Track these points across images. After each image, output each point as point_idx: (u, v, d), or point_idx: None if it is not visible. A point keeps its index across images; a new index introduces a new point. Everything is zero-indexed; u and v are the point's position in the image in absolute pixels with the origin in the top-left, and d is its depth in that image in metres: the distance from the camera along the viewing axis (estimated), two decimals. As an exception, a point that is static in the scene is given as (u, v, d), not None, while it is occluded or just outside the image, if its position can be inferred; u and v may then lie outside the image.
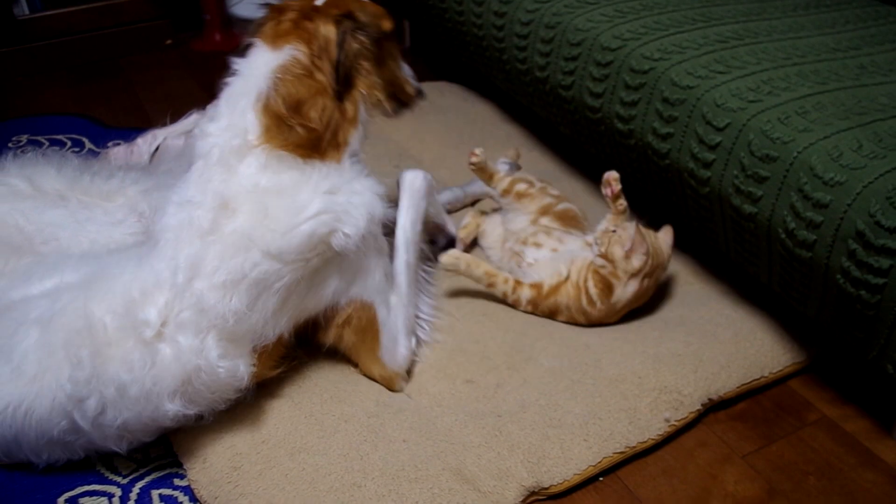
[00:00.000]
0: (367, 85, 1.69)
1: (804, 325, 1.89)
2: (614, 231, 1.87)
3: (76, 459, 1.57)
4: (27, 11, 3.16)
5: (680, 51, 1.93)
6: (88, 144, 2.64)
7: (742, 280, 2.02)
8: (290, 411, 1.66)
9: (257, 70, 1.60)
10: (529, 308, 1.95)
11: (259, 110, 1.57)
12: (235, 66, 1.65)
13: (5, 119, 2.84)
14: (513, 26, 2.37)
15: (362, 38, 1.65)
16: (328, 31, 1.62)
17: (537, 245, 1.99)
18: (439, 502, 1.51)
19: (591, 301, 1.88)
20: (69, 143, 2.64)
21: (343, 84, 1.63)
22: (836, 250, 1.54)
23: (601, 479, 1.62)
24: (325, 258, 1.59)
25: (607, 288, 1.86)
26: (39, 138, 2.66)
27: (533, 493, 1.57)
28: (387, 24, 1.73)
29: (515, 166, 2.37)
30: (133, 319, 1.46)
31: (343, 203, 1.58)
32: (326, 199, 1.56)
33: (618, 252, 1.84)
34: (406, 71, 1.88)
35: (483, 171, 2.13)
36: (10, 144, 2.63)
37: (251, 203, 1.52)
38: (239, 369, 1.53)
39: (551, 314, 1.94)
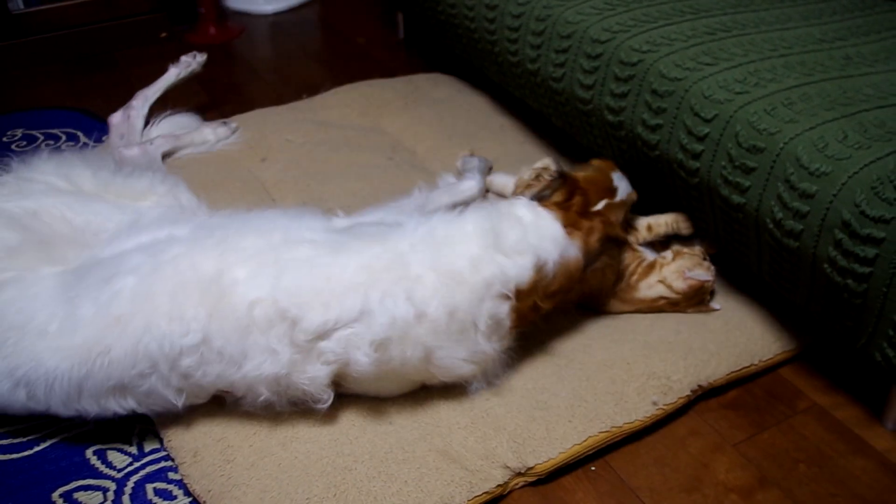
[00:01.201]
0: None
1: (794, 314, 1.90)
2: (705, 260, 1.94)
3: (116, 415, 1.58)
4: (22, 6, 3.16)
5: (668, 43, 1.94)
6: (83, 138, 2.65)
7: (732, 270, 2.03)
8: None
9: (551, 241, 1.67)
10: None
11: (533, 276, 1.63)
12: (526, 208, 1.71)
13: (0, 113, 2.85)
14: (504, 19, 2.38)
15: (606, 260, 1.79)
16: (594, 245, 1.73)
17: None
18: (427, 481, 1.53)
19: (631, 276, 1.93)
20: (64, 137, 2.65)
21: None
22: (823, 240, 1.55)
23: (593, 468, 1.64)
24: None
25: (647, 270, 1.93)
26: (34, 132, 2.66)
27: (519, 474, 1.59)
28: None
29: (485, 162, 2.36)
30: (295, 316, 1.50)
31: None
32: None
33: (681, 264, 1.90)
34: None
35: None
36: (4, 139, 2.64)
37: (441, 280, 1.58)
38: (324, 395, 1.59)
39: None
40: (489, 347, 1.63)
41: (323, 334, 1.51)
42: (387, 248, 1.59)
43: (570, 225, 1.70)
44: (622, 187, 1.87)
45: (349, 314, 1.51)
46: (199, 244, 1.58)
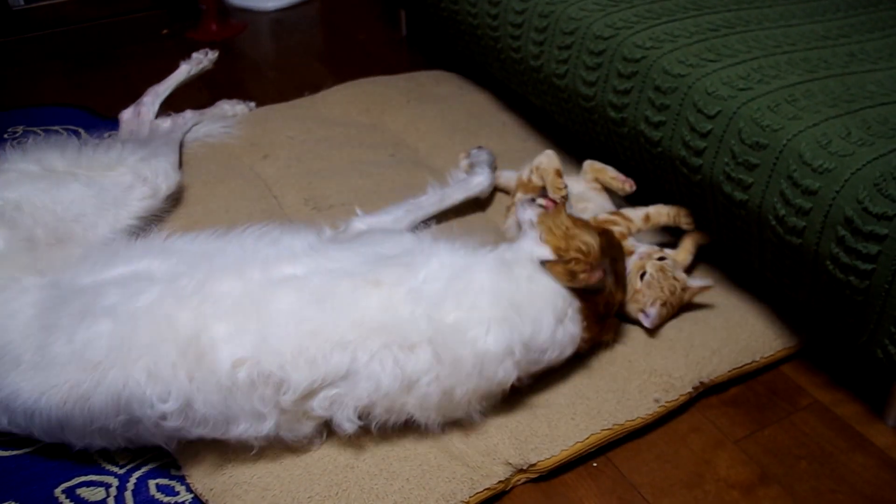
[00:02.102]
0: None
1: (796, 311, 1.90)
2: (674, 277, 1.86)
3: (105, 449, 1.58)
4: (22, 2, 3.16)
5: (672, 39, 1.94)
6: (84, 135, 2.64)
7: (735, 267, 2.03)
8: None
9: (564, 348, 1.64)
10: None
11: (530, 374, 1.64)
12: (572, 308, 1.64)
13: (1, 110, 2.85)
14: (507, 15, 2.37)
15: None
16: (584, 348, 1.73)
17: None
18: (429, 478, 1.54)
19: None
20: (65, 134, 2.64)
21: None
22: (826, 237, 1.55)
23: (595, 464, 1.64)
24: None
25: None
26: (35, 129, 2.66)
27: (521, 471, 1.59)
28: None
29: (492, 155, 2.36)
30: (280, 379, 1.46)
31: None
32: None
33: (645, 297, 1.85)
34: None
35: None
36: (5, 135, 2.63)
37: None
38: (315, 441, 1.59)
39: None
40: (476, 414, 1.61)
41: (309, 394, 1.48)
42: (385, 307, 1.52)
43: (584, 328, 1.66)
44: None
45: (335, 372, 1.48)
46: (175, 289, 1.52)
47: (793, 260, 1.67)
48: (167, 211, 2.14)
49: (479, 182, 2.17)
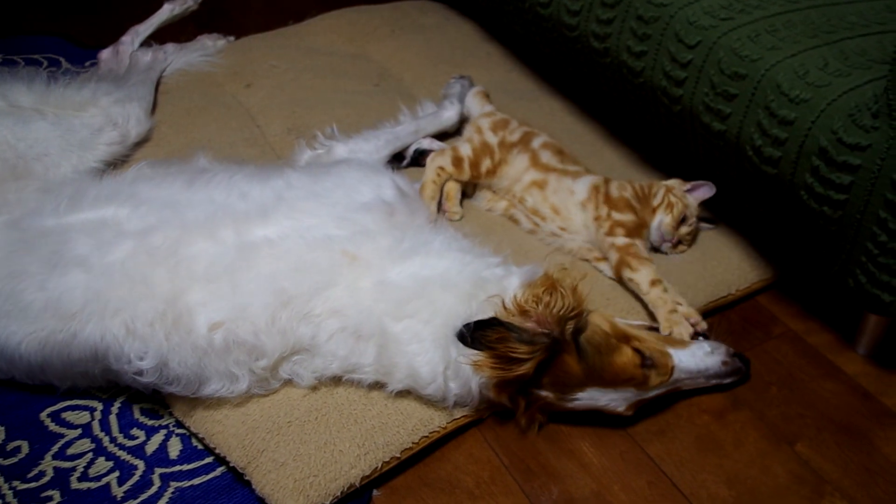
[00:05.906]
0: None
1: (772, 243, 1.92)
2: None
3: (94, 387, 1.61)
4: (0, -72, 3.09)
5: (655, -33, 1.91)
6: (65, 64, 2.61)
7: (711, 200, 2.03)
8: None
9: None
10: None
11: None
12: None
13: (-18, 39, 2.81)
14: (491, -58, 2.34)
15: None
16: None
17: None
18: (407, 403, 1.57)
19: None
20: (46, 63, 2.61)
21: None
22: (801, 167, 1.56)
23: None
24: None
25: None
26: (15, 58, 2.63)
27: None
28: None
29: (467, 87, 2.35)
30: (253, 346, 1.49)
31: None
32: None
33: None
34: None
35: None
36: (-15, 64, 2.60)
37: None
38: None
39: None
40: None
41: (279, 361, 1.53)
42: (351, 292, 1.53)
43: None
44: None
45: (301, 343, 1.52)
46: (149, 246, 1.52)
47: (768, 190, 1.68)
48: (130, 156, 2.10)
49: (448, 117, 2.20)
